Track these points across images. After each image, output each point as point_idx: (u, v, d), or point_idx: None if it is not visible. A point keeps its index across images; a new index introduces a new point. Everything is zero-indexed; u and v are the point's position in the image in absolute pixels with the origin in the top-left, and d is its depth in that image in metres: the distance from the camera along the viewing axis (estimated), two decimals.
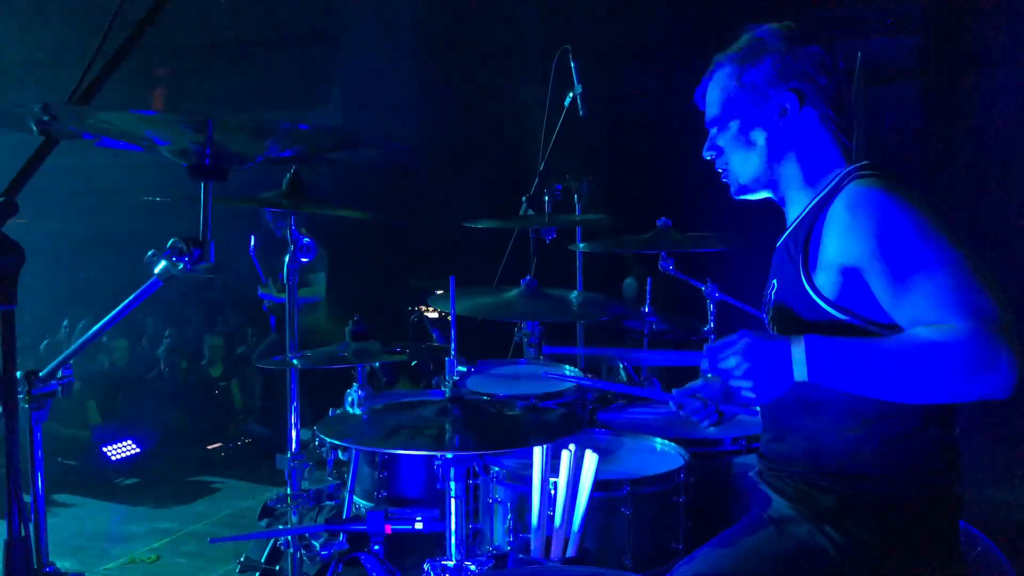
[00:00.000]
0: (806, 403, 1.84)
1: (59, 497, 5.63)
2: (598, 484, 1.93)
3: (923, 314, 1.63)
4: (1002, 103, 6.52)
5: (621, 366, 2.98)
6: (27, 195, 1.38)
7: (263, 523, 2.54)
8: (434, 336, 2.90)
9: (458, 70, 7.77)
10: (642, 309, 3.12)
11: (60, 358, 1.66)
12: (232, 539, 2.92)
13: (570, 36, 6.51)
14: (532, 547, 1.79)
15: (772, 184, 1.99)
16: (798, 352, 1.67)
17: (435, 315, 4.01)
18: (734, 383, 1.71)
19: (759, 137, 1.93)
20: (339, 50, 9.26)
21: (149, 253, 1.41)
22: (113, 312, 1.55)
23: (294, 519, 2.18)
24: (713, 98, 2.00)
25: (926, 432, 1.81)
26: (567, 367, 2.97)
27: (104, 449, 5.83)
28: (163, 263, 1.40)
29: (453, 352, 1.80)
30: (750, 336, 1.71)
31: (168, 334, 7.16)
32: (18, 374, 1.58)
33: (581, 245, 3.34)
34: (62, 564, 4.61)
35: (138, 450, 5.94)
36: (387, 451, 1.68)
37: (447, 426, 1.67)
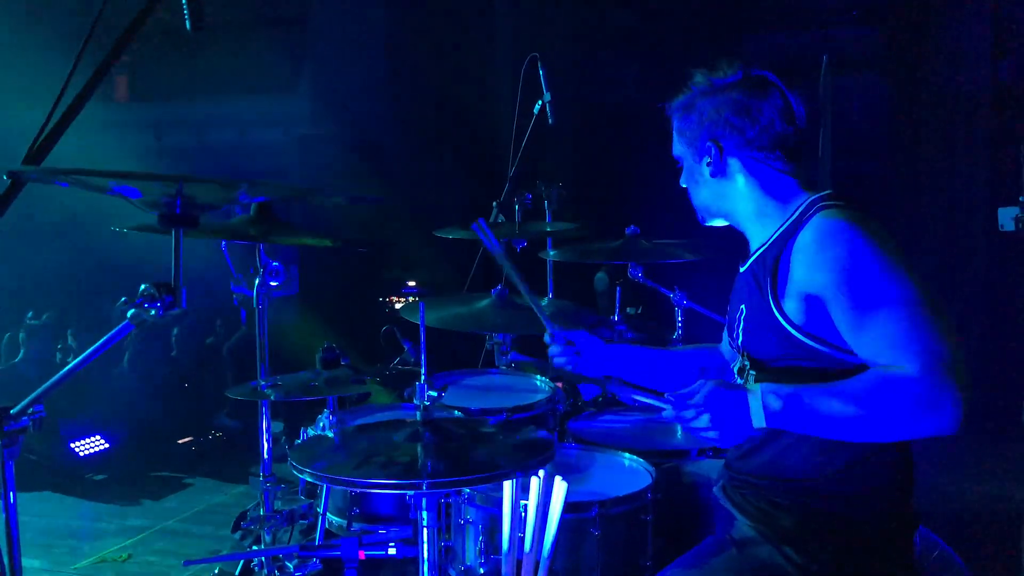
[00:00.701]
0: (767, 431, 1.90)
1: (27, 494, 5.60)
2: (568, 506, 1.98)
3: (879, 350, 1.71)
4: (967, 92, 6.63)
5: None
6: None
7: (236, 535, 2.57)
8: (406, 348, 2.92)
9: (430, 58, 7.73)
10: (611, 318, 3.17)
11: (31, 396, 1.67)
12: (207, 561, 2.94)
13: (542, 34, 6.54)
14: (503, 571, 1.83)
15: (726, 215, 2.12)
16: (755, 402, 1.77)
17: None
18: (698, 430, 1.79)
19: (702, 177, 2.07)
20: (307, 35, 9.17)
21: (121, 300, 1.42)
22: (86, 353, 1.56)
23: (267, 539, 2.20)
24: (674, 137, 2.14)
25: (884, 456, 1.89)
26: (537, 377, 3.02)
27: (72, 445, 5.77)
28: (133, 311, 1.42)
29: (424, 376, 1.83)
30: (711, 387, 1.79)
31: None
32: None
33: (552, 253, 3.37)
34: (32, 563, 4.62)
35: (107, 445, 5.89)
36: (357, 486, 1.70)
37: (419, 452, 1.71)
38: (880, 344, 1.71)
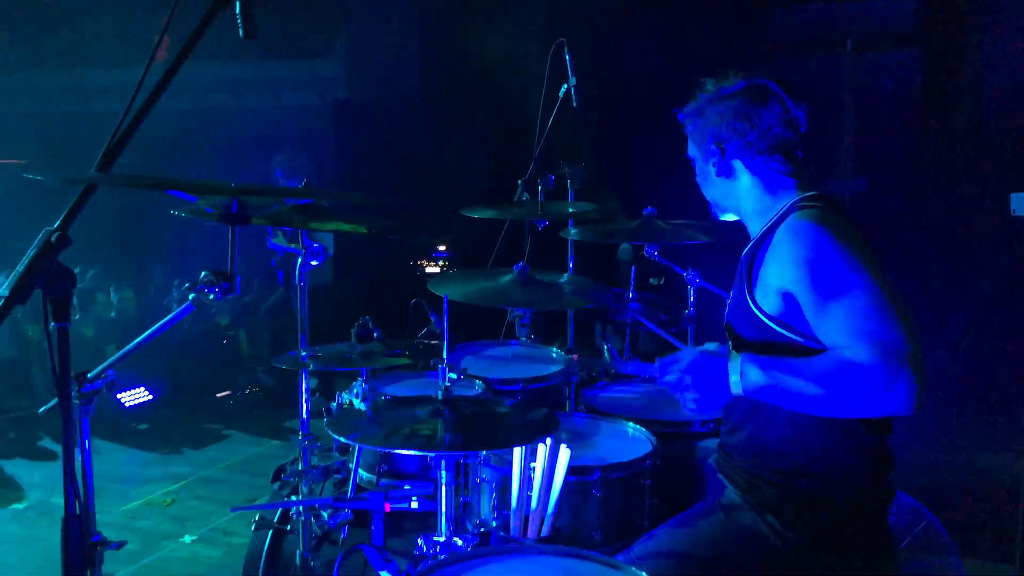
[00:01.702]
0: (754, 405, 2.10)
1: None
2: (572, 469, 2.21)
3: (838, 338, 1.89)
4: (1001, 66, 6.63)
5: (605, 347, 3.23)
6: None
7: (275, 485, 2.83)
8: (432, 320, 3.14)
9: (462, 25, 7.83)
10: (627, 294, 3.36)
11: (105, 363, 1.92)
12: (251, 508, 3.22)
13: (574, 11, 6.62)
14: (512, 526, 2.07)
15: (734, 211, 2.31)
16: (734, 370, 1.95)
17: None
18: (679, 394, 1.99)
19: (710, 176, 2.28)
20: (343, 2, 9.29)
21: (185, 286, 1.65)
22: (151, 330, 1.81)
23: (304, 491, 2.46)
24: (689, 140, 2.35)
25: (861, 439, 2.07)
26: (553, 349, 3.23)
27: (118, 396, 6.11)
28: (194, 295, 1.64)
29: (445, 359, 2.05)
30: (695, 353, 1.98)
31: (176, 284, 7.40)
32: (73, 374, 1.85)
33: (573, 231, 3.55)
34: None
35: (150, 397, 6.22)
36: (387, 450, 1.92)
37: (440, 426, 1.94)
38: (839, 331, 1.89)
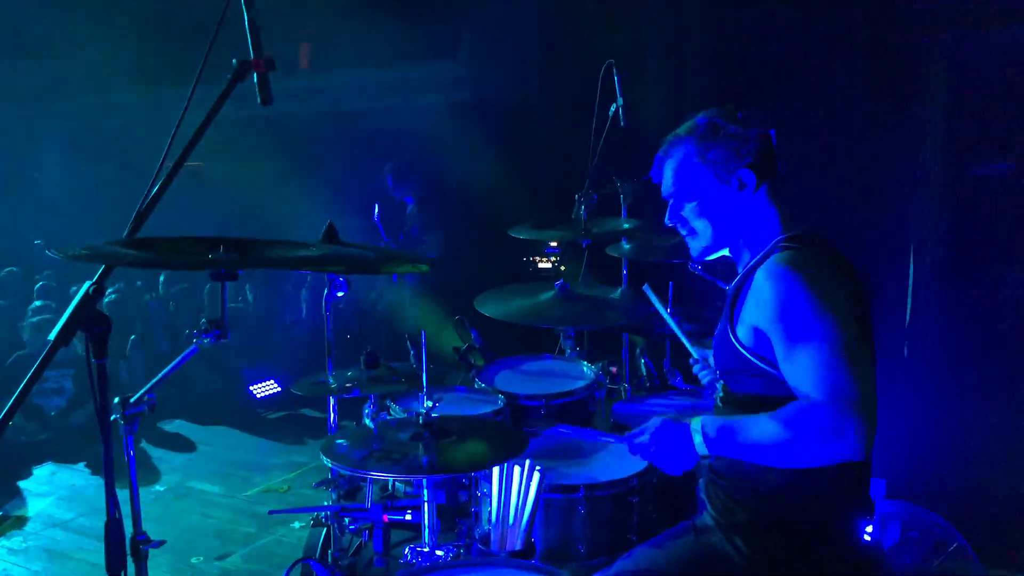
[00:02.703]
0: None
1: (216, 428, 6.62)
2: (559, 487, 2.41)
3: (798, 380, 2.01)
4: None
5: (642, 362, 3.37)
6: None
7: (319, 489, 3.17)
8: (472, 335, 3.38)
9: (583, 25, 7.92)
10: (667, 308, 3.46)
11: (146, 387, 2.29)
12: (285, 511, 3.61)
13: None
14: (492, 538, 2.30)
15: (729, 246, 2.33)
16: (697, 436, 2.11)
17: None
18: (651, 458, 2.14)
19: (719, 208, 2.25)
20: (468, 3, 9.56)
21: (192, 332, 1.98)
22: (174, 363, 2.15)
23: (333, 497, 2.78)
24: (672, 173, 2.32)
25: (832, 471, 2.13)
26: (584, 364, 3.39)
27: (251, 387, 6.73)
28: (195, 339, 1.97)
29: (424, 387, 2.29)
30: (658, 423, 2.15)
31: (309, 279, 7.96)
32: (116, 400, 2.23)
33: (627, 246, 3.67)
34: (211, 488, 5.57)
35: (279, 389, 6.79)
36: (366, 474, 2.17)
37: (420, 448, 2.19)
38: (800, 375, 2.00)
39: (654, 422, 2.16)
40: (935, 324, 4.71)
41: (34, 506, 5.50)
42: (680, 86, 7.45)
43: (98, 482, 5.88)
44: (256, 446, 6.37)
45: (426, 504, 2.21)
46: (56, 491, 5.60)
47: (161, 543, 2.35)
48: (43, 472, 6.04)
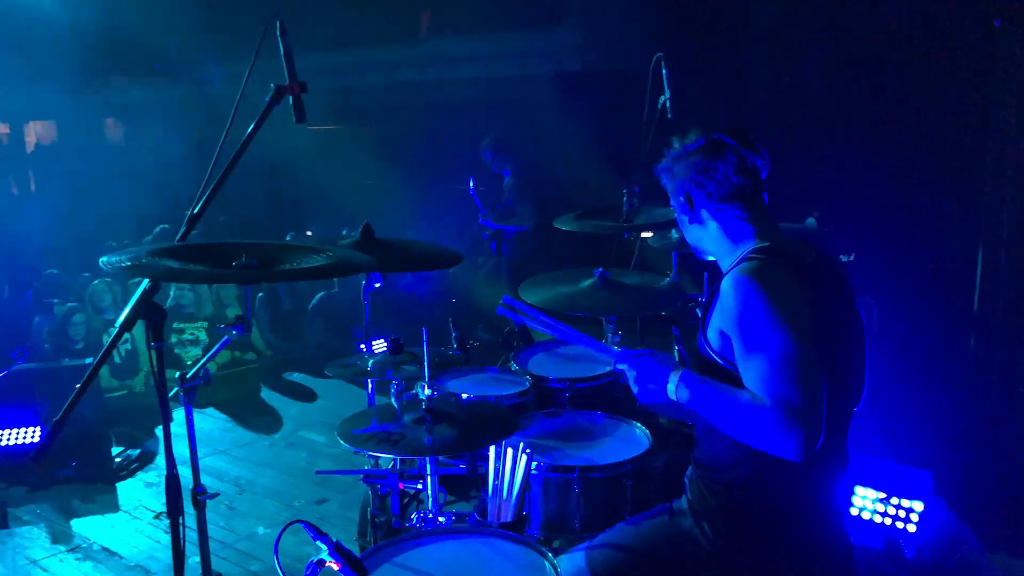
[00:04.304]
0: (709, 425, 2.43)
1: (330, 382, 7.20)
2: (557, 467, 2.70)
3: (752, 383, 2.21)
4: None
5: (676, 348, 3.53)
6: None
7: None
8: (512, 320, 3.62)
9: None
10: (700, 297, 3.63)
11: (201, 361, 2.69)
12: (329, 472, 4.04)
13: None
14: (488, 510, 2.61)
15: (710, 253, 2.57)
16: (672, 380, 2.33)
17: None
18: (628, 380, 2.40)
19: (684, 224, 2.55)
20: None
21: (222, 326, 2.36)
22: (216, 348, 2.55)
23: (371, 462, 3.16)
24: (666, 187, 2.60)
25: (783, 468, 2.30)
26: (615, 348, 3.58)
27: (360, 346, 7.24)
28: (226, 332, 2.36)
29: (426, 377, 2.61)
30: (649, 355, 2.39)
31: None
32: (175, 374, 2.65)
33: (675, 236, 3.82)
34: (318, 437, 6.18)
35: (386, 348, 7.27)
36: (371, 453, 2.47)
37: (423, 432, 2.52)
38: (752, 380, 2.19)
39: (646, 353, 2.39)
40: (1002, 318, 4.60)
41: None
42: (789, 54, 7.35)
43: (223, 425, 6.60)
44: (363, 400, 6.90)
45: (428, 478, 2.54)
46: (186, 433, 6.30)
47: (215, 495, 2.78)
48: (179, 415, 6.81)
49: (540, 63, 9.80)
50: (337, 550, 2.04)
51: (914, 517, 3.82)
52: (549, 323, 2.53)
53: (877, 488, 3.91)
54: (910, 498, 3.82)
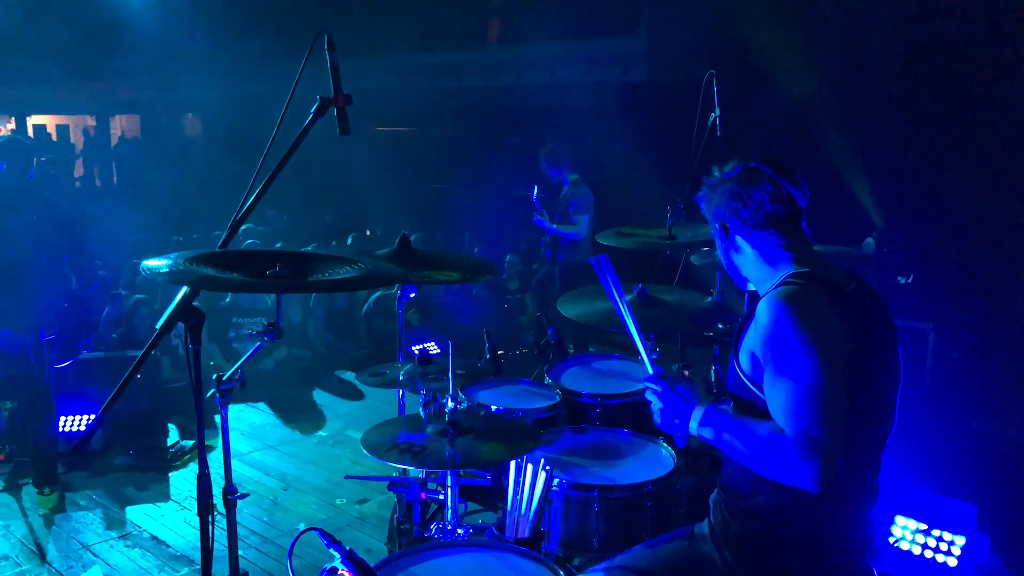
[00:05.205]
0: None
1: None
2: (577, 485, 2.70)
3: (776, 411, 2.19)
4: None
5: (712, 368, 3.51)
6: None
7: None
8: (548, 332, 3.65)
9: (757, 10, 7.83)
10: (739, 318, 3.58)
11: (236, 366, 2.78)
12: (358, 477, 4.09)
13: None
14: (507, 524, 2.63)
15: (750, 281, 2.55)
16: (696, 416, 2.32)
17: None
18: (653, 409, 2.41)
19: (722, 251, 2.55)
20: None
21: (252, 332, 2.43)
22: (246, 355, 2.63)
23: (400, 470, 3.21)
24: (706, 215, 2.59)
25: (819, 501, 2.28)
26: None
27: (412, 348, 7.36)
28: (256, 338, 2.43)
29: (451, 390, 2.64)
30: (679, 387, 2.38)
31: (476, 251, 8.52)
32: (213, 376, 2.74)
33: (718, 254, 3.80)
34: (354, 435, 6.30)
35: (438, 350, 7.39)
36: (396, 464, 2.50)
37: (446, 444, 2.56)
38: (777, 408, 2.18)
39: (673, 382, 2.38)
40: None
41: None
42: (854, 65, 7.21)
43: (274, 420, 6.75)
44: (412, 401, 6.99)
45: (448, 490, 2.58)
46: (239, 426, 6.46)
47: (245, 495, 2.86)
48: (233, 409, 6.99)
49: (605, 71, 9.81)
50: (350, 559, 2.09)
51: (955, 551, 3.72)
52: (618, 304, 2.55)
53: (919, 519, 3.82)
54: (952, 531, 3.73)
